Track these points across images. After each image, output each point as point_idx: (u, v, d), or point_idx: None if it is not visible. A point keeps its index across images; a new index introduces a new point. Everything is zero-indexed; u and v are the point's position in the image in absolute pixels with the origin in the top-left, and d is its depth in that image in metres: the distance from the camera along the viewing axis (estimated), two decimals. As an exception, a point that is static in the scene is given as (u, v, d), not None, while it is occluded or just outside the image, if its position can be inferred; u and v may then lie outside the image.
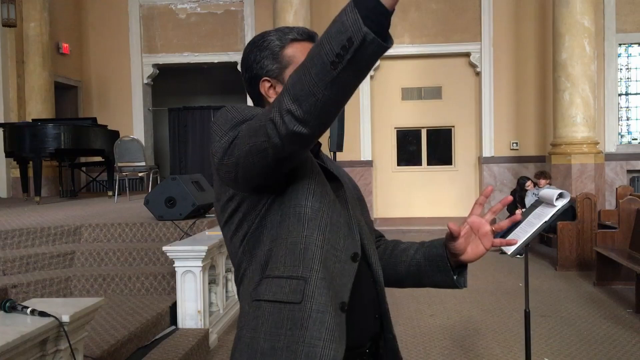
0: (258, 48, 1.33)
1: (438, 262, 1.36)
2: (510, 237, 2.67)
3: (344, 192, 1.30)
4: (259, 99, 1.36)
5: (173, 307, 3.74)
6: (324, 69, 1.00)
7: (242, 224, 1.24)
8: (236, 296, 4.47)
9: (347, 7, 0.99)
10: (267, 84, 1.32)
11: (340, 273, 1.20)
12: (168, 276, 4.04)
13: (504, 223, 1.32)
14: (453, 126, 10.74)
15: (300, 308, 1.15)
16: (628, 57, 10.44)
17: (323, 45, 1.00)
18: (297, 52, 1.31)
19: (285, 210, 1.20)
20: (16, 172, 8.66)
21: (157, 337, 3.47)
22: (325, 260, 1.18)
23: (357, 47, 0.98)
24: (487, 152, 10.32)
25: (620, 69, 10.41)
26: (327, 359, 1.12)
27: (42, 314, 2.01)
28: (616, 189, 8.57)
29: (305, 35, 1.34)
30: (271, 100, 1.30)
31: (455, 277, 1.36)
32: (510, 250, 2.64)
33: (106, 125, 8.63)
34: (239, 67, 10.79)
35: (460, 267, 1.36)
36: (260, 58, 1.32)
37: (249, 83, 1.36)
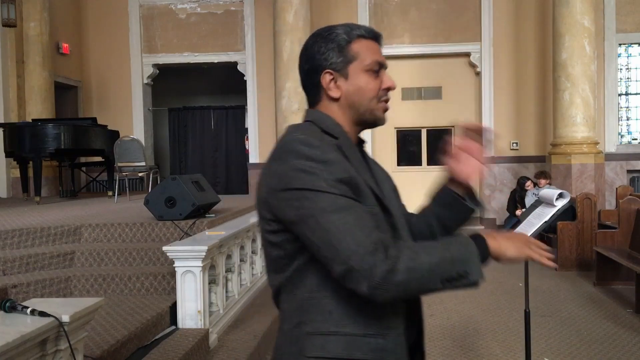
0: (324, 40, 1.32)
1: (446, 199, 1.45)
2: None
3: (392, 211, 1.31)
4: (315, 90, 1.35)
5: (173, 307, 3.74)
6: (433, 278, 1.12)
7: (296, 253, 1.23)
8: (236, 296, 4.48)
9: (474, 248, 1.17)
10: (329, 77, 1.32)
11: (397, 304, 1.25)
12: (168, 276, 4.04)
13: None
14: (453, 126, 10.73)
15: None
16: (628, 57, 10.44)
17: (445, 263, 1.13)
18: (362, 49, 1.31)
19: None
20: (16, 172, 8.66)
21: (157, 337, 3.47)
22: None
23: (467, 283, 1.14)
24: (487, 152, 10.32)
25: (620, 69, 10.41)
26: None
27: (42, 314, 2.01)
28: (616, 189, 8.57)
29: (372, 34, 1.35)
30: (330, 92, 1.31)
31: (467, 202, 1.43)
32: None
33: (106, 125, 8.63)
34: (239, 67, 10.80)
35: (469, 194, 1.45)
36: (325, 50, 1.31)
37: (308, 74, 1.35)
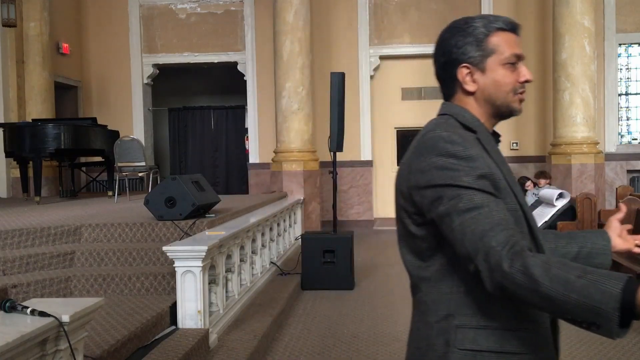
0: (462, 33, 1.33)
1: (597, 252, 1.45)
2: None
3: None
4: (451, 83, 1.35)
5: (173, 307, 3.74)
6: (557, 307, 1.05)
7: (439, 248, 1.24)
8: (236, 296, 4.48)
9: (617, 301, 1.00)
10: (466, 71, 1.31)
11: None
12: (168, 276, 4.04)
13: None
14: (453, 126, 10.74)
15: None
16: (628, 57, 10.44)
17: (577, 303, 1.02)
18: (501, 42, 1.31)
19: None
20: (16, 172, 8.66)
21: (157, 337, 3.47)
22: None
23: (593, 330, 1.05)
24: None
25: (620, 69, 10.41)
26: None
27: (42, 314, 2.01)
28: (616, 189, 8.55)
29: (511, 26, 1.34)
30: (466, 86, 1.31)
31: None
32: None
33: (106, 125, 8.62)
34: (239, 67, 10.80)
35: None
36: (462, 43, 1.31)
37: (443, 66, 1.35)
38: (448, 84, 1.36)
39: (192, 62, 11.02)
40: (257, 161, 10.80)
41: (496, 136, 1.38)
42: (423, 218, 1.22)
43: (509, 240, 1.10)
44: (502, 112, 1.34)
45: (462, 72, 1.32)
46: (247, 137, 11.08)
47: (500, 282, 1.08)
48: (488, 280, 1.10)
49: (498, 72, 1.31)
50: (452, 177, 1.16)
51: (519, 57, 1.33)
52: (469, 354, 1.18)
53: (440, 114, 1.36)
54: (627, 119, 10.52)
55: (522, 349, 1.19)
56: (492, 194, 1.16)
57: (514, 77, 1.32)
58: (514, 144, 10.30)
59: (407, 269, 1.33)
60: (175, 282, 3.75)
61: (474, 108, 1.33)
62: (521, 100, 1.34)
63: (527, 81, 1.33)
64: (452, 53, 1.33)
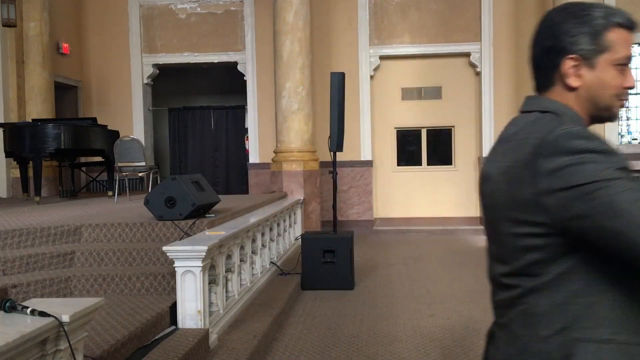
0: (577, 20, 1.18)
1: None
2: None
3: None
4: (549, 73, 1.23)
5: (173, 307, 3.74)
6: None
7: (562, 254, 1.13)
8: (236, 296, 4.48)
9: None
10: (572, 63, 1.19)
11: None
12: (168, 276, 4.04)
13: None
14: (453, 126, 10.74)
15: None
16: (628, 57, 10.44)
17: None
18: (618, 40, 1.18)
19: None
20: (16, 172, 8.66)
21: (157, 337, 3.47)
22: None
23: None
24: (487, 152, 10.32)
25: (620, 69, 10.40)
26: None
27: (42, 314, 2.01)
28: (616, 189, 8.56)
29: (631, 24, 1.20)
30: (569, 80, 1.20)
31: None
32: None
33: (106, 125, 8.63)
34: (239, 67, 10.80)
35: None
36: (577, 32, 1.18)
37: (547, 52, 1.23)
38: (547, 73, 1.24)
39: (192, 62, 11.02)
40: (257, 161, 10.80)
41: None
42: (546, 228, 1.11)
43: None
44: (603, 116, 1.24)
45: (568, 64, 1.20)
46: (247, 137, 11.09)
47: None
48: None
49: (608, 72, 1.19)
50: (594, 172, 1.05)
51: (629, 59, 1.22)
52: None
53: (536, 110, 1.23)
54: (627, 119, 10.52)
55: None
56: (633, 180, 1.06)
57: (621, 81, 1.21)
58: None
59: (502, 284, 1.23)
60: (175, 282, 3.75)
61: (574, 106, 1.21)
62: (622, 107, 1.25)
63: (631, 87, 1.23)
64: (562, 40, 1.20)
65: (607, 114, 1.24)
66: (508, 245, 1.18)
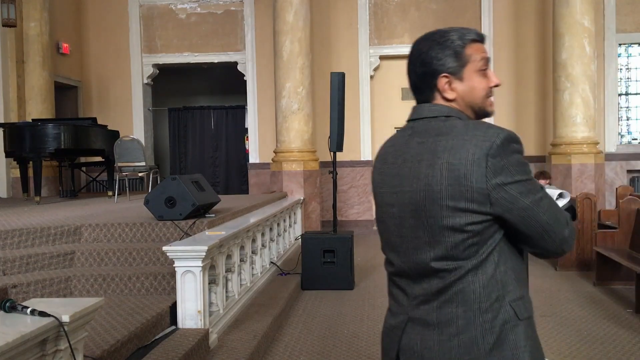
0: (440, 46, 1.43)
1: None
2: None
3: None
4: (429, 91, 1.46)
5: (173, 307, 3.74)
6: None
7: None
8: (236, 296, 4.47)
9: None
10: (445, 80, 1.43)
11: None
12: (168, 276, 4.04)
13: None
14: (453, 126, 10.73)
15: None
16: (628, 57, 10.44)
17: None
18: (474, 52, 1.43)
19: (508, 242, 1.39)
20: (16, 172, 8.66)
21: (157, 337, 3.47)
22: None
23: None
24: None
25: (620, 69, 10.41)
26: None
27: (42, 314, 2.01)
28: (616, 189, 8.56)
29: (481, 37, 1.46)
30: (446, 94, 1.43)
31: None
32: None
33: (106, 125, 8.63)
34: (239, 67, 10.80)
35: None
36: (442, 56, 1.42)
37: (422, 76, 1.46)
38: (426, 92, 1.47)
39: (192, 62, 11.02)
40: (257, 161, 10.80)
41: None
42: (483, 215, 1.32)
43: (563, 212, 1.40)
44: (479, 115, 1.47)
45: (442, 81, 1.43)
46: (247, 137, 11.09)
47: (572, 244, 1.40)
48: (570, 245, 1.38)
49: (474, 79, 1.43)
50: (528, 170, 1.34)
51: (487, 60, 1.46)
52: (525, 322, 1.36)
53: (435, 115, 1.44)
54: (627, 119, 10.52)
55: (531, 312, 1.40)
56: None
57: (486, 83, 1.45)
58: (514, 144, 10.29)
59: (432, 270, 1.37)
60: (175, 282, 3.75)
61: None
62: (492, 104, 1.48)
63: (496, 85, 1.46)
64: (432, 65, 1.43)
65: (482, 113, 1.48)
66: (444, 232, 1.34)
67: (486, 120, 1.45)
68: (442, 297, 1.36)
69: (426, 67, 1.44)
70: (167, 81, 12.21)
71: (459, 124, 1.38)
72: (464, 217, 1.31)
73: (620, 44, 10.31)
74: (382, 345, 1.58)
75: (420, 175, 1.37)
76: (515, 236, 1.37)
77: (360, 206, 10.52)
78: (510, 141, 1.32)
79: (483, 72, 1.44)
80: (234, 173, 11.97)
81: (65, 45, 10.35)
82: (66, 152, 7.58)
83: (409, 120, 1.51)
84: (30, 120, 8.30)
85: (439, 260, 1.35)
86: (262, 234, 5.74)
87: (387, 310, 1.58)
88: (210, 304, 3.90)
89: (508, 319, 1.33)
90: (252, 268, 5.25)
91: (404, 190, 1.41)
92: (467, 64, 1.42)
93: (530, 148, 10.27)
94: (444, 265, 1.35)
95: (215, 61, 10.95)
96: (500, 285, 1.34)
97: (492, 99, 1.47)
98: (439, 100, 1.45)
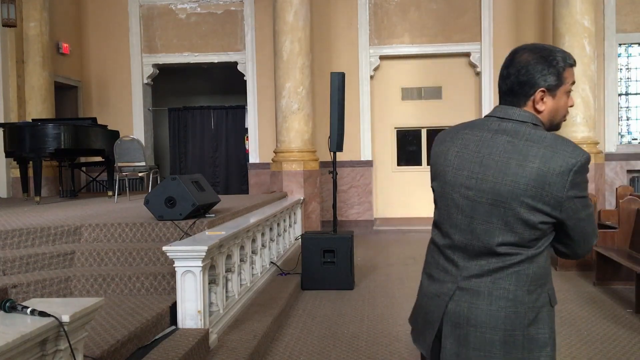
0: (547, 63, 1.63)
1: None
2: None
3: None
4: (524, 98, 1.65)
5: (173, 307, 3.74)
6: None
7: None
8: (236, 296, 4.48)
9: None
10: (542, 94, 1.64)
11: None
12: (168, 276, 4.04)
13: None
14: (453, 126, 10.73)
15: None
16: (628, 57, 10.44)
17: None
18: (569, 76, 1.66)
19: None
20: (16, 172, 8.66)
21: (157, 337, 3.47)
22: None
23: None
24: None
25: (620, 69, 10.41)
26: None
27: (42, 314, 2.01)
28: (616, 189, 8.56)
29: (575, 63, 1.68)
30: (538, 106, 1.64)
31: None
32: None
33: (106, 125, 8.63)
34: (239, 67, 10.80)
35: None
36: (547, 73, 1.63)
37: (523, 84, 1.64)
38: (520, 97, 1.66)
39: (192, 62, 11.02)
40: (257, 161, 10.80)
41: None
42: (556, 218, 1.58)
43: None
44: (553, 128, 1.72)
45: (539, 95, 1.64)
46: (247, 137, 11.09)
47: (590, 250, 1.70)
48: (590, 250, 1.68)
49: (562, 99, 1.67)
50: (587, 189, 1.61)
51: (573, 84, 1.70)
52: (553, 309, 1.67)
53: (524, 121, 1.64)
54: (627, 119, 10.52)
55: (555, 299, 1.70)
56: None
57: (568, 103, 1.69)
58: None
59: (495, 252, 1.61)
60: (175, 282, 3.75)
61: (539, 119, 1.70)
62: (565, 120, 1.75)
63: (571, 106, 1.71)
64: (535, 77, 1.63)
65: (556, 128, 1.73)
66: (518, 224, 1.57)
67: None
68: (497, 275, 1.60)
69: (529, 77, 1.63)
70: (167, 81, 12.21)
71: (549, 135, 1.60)
72: (539, 216, 1.55)
73: (620, 44, 10.31)
74: (422, 309, 1.78)
75: (508, 171, 1.56)
76: (558, 237, 1.65)
77: (360, 206, 10.52)
78: (588, 163, 1.56)
79: (569, 93, 1.68)
80: (234, 173, 11.97)
81: (65, 45, 10.35)
82: (66, 152, 7.57)
83: (492, 116, 1.69)
84: (30, 120, 8.30)
85: (505, 245, 1.59)
86: (262, 234, 5.74)
87: (423, 277, 1.80)
88: (210, 304, 3.90)
89: (545, 302, 1.63)
90: (252, 268, 5.26)
91: (486, 179, 1.60)
92: (562, 85, 1.64)
93: (530, 148, 10.28)
94: (508, 250, 1.59)
95: (215, 61, 10.95)
96: (544, 274, 1.63)
97: (567, 116, 1.73)
98: (529, 108, 1.65)
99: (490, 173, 1.59)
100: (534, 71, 1.62)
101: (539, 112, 1.65)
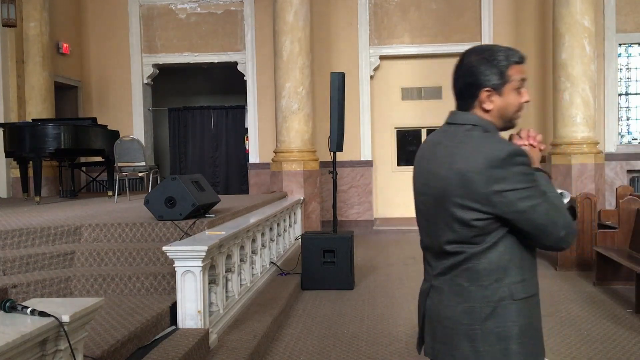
0: (488, 62, 1.69)
1: None
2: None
3: None
4: (471, 100, 1.70)
5: (173, 307, 3.74)
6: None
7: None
8: (236, 296, 4.48)
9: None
10: (487, 93, 1.68)
11: None
12: (168, 276, 4.04)
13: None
14: (453, 126, 10.73)
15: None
16: (628, 57, 10.44)
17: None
18: (515, 73, 1.70)
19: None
20: (16, 172, 8.66)
21: (157, 337, 3.47)
22: None
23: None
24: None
25: (620, 69, 10.40)
26: None
27: (42, 314, 2.01)
28: (616, 189, 8.56)
29: (522, 59, 1.73)
30: (485, 105, 1.68)
31: None
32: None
33: (106, 125, 8.62)
34: (239, 67, 10.80)
35: None
36: (489, 72, 1.67)
37: (467, 86, 1.70)
38: (468, 100, 1.71)
39: (192, 62, 11.02)
40: (257, 161, 10.80)
41: None
42: (490, 214, 1.59)
43: (565, 214, 1.64)
44: (507, 127, 1.75)
45: (484, 94, 1.68)
46: (247, 137, 11.08)
47: (573, 239, 1.66)
48: (566, 242, 1.62)
49: (510, 96, 1.70)
50: (529, 180, 1.59)
51: (524, 81, 1.72)
52: (521, 302, 1.64)
53: (467, 123, 1.69)
54: (627, 119, 10.52)
55: (534, 290, 1.68)
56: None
57: (519, 99, 1.72)
58: (514, 144, 10.29)
59: (446, 251, 1.68)
60: (175, 282, 3.75)
61: (490, 120, 1.71)
62: (519, 116, 1.76)
63: (526, 101, 1.74)
64: (479, 78, 1.67)
65: (510, 126, 1.75)
66: (455, 223, 1.63)
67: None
68: (453, 272, 1.67)
69: (473, 78, 1.68)
70: (167, 81, 12.21)
71: (477, 135, 1.65)
72: (470, 214, 1.60)
73: (620, 44, 10.31)
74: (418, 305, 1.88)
75: (442, 175, 1.65)
76: (519, 232, 1.62)
77: (360, 206, 10.52)
78: (514, 155, 1.57)
79: (518, 90, 1.71)
80: (234, 173, 11.97)
81: (65, 45, 10.35)
82: (66, 152, 7.57)
83: (446, 123, 1.76)
84: (30, 120, 8.30)
85: (450, 244, 1.66)
86: (262, 234, 5.74)
87: None
88: (210, 304, 3.90)
89: (504, 297, 1.62)
90: (252, 268, 5.26)
91: (430, 184, 1.70)
92: (508, 82, 1.68)
93: (530, 148, 10.27)
94: (454, 248, 1.66)
95: (215, 61, 10.95)
96: (502, 269, 1.63)
97: (521, 112, 1.75)
98: (477, 109, 1.70)
99: (432, 178, 1.69)
100: (477, 72, 1.67)
101: (487, 111, 1.69)
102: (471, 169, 1.59)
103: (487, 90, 1.67)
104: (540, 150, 1.81)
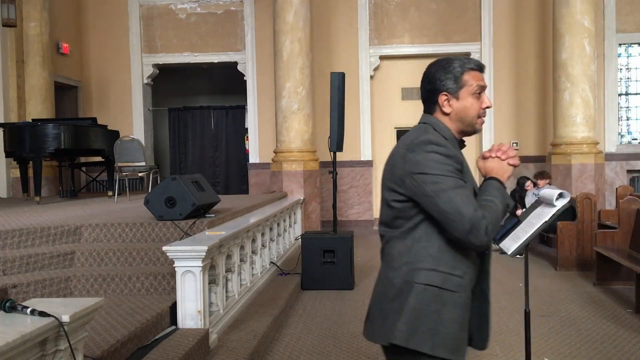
0: (444, 70, 1.82)
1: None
2: (510, 237, 2.67)
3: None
4: (432, 104, 1.85)
5: (173, 307, 3.74)
6: (499, 219, 1.75)
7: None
8: (236, 296, 4.48)
9: (499, 185, 1.81)
10: (444, 97, 1.82)
11: None
12: (168, 276, 4.04)
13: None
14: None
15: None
16: (628, 57, 10.44)
17: (502, 207, 1.77)
18: (470, 79, 1.82)
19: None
20: (16, 172, 8.66)
21: (157, 337, 3.47)
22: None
23: (509, 209, 1.84)
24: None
25: (620, 69, 10.40)
26: None
27: (42, 314, 2.01)
28: (616, 189, 8.56)
29: (479, 66, 1.85)
30: (444, 109, 1.82)
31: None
32: (510, 250, 2.63)
33: (106, 125, 8.62)
34: (239, 67, 10.81)
35: None
36: (444, 78, 1.81)
37: (429, 92, 1.85)
38: (431, 104, 1.86)
39: (192, 62, 11.02)
40: (257, 161, 10.80)
41: (462, 143, 1.89)
42: (404, 197, 1.74)
43: (477, 207, 1.68)
44: (467, 130, 1.86)
45: (442, 98, 1.82)
46: (247, 137, 11.08)
47: (485, 234, 1.66)
48: (479, 234, 1.65)
49: (467, 100, 1.82)
50: (441, 167, 1.69)
51: (482, 88, 1.84)
52: (421, 287, 1.72)
53: (421, 122, 1.87)
54: (627, 119, 10.52)
55: (454, 288, 1.73)
56: (463, 180, 1.73)
57: (479, 104, 1.83)
58: (514, 144, 10.29)
59: (380, 234, 1.86)
60: (175, 282, 3.75)
61: (448, 123, 1.84)
62: (482, 123, 1.87)
63: (487, 107, 1.84)
64: (436, 84, 1.82)
65: (471, 129, 1.86)
66: (383, 205, 1.82)
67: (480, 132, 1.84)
68: (382, 254, 1.85)
69: (432, 85, 1.83)
70: (167, 81, 12.21)
71: (416, 128, 1.83)
72: (392, 195, 1.77)
73: (620, 44, 10.31)
74: None
75: (386, 168, 1.84)
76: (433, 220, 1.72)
77: (360, 206, 10.52)
78: (428, 143, 1.72)
79: (477, 95, 1.82)
80: (234, 173, 11.97)
81: (65, 45, 10.35)
82: (66, 152, 7.57)
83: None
84: (30, 120, 8.30)
85: (381, 225, 1.85)
86: (262, 234, 5.74)
87: None
88: (210, 304, 3.90)
89: (408, 280, 1.73)
90: (252, 268, 5.26)
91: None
92: (463, 87, 1.80)
93: (530, 148, 10.28)
94: (382, 231, 1.85)
95: (215, 61, 10.95)
96: (413, 255, 1.74)
97: (482, 119, 1.85)
98: (438, 112, 1.84)
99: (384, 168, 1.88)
100: (435, 79, 1.82)
101: (446, 114, 1.83)
102: (396, 153, 1.79)
103: (444, 94, 1.81)
104: (511, 165, 1.84)
